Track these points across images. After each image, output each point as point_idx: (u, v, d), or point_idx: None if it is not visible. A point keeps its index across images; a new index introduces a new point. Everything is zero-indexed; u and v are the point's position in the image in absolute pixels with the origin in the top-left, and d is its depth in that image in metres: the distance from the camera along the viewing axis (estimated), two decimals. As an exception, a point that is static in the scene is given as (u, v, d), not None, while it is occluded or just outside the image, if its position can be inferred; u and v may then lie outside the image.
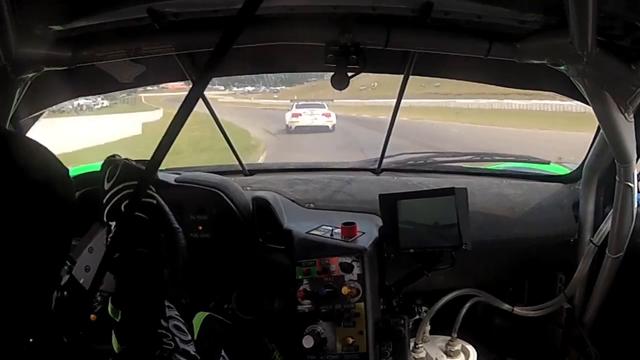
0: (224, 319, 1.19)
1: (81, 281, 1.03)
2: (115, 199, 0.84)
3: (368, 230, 1.25)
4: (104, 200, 0.86)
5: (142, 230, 0.83)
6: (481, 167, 1.79)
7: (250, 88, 29.12)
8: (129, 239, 0.82)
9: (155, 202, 0.88)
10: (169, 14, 1.05)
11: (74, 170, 1.62)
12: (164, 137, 0.56)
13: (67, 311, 0.97)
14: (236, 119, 13.80)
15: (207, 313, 1.13)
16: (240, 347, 1.14)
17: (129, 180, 0.86)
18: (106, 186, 0.86)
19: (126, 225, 0.80)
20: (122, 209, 0.84)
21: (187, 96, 0.56)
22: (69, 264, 1.06)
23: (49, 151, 0.62)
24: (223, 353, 1.03)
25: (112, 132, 12.47)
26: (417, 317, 1.31)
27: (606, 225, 1.33)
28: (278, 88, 28.80)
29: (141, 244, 0.83)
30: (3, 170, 0.54)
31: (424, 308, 1.31)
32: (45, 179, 0.60)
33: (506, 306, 1.44)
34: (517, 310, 1.45)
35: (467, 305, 1.39)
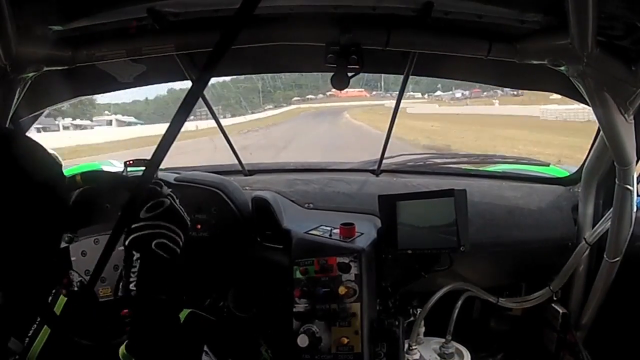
0: (208, 315, 1.20)
1: (73, 259, 1.06)
2: (147, 232, 0.83)
3: (367, 231, 1.25)
4: (133, 226, 0.84)
5: (164, 272, 0.81)
6: (481, 168, 1.79)
7: (464, 92, 17.61)
8: (151, 283, 0.80)
9: (178, 251, 0.85)
10: (169, 14, 1.06)
11: (71, 169, 1.64)
12: (163, 137, 0.56)
13: (47, 273, 0.98)
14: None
15: (190, 310, 1.13)
16: (225, 342, 1.15)
17: (170, 223, 0.85)
18: (142, 214, 0.84)
19: (149, 260, 0.79)
20: (153, 246, 0.82)
21: (185, 97, 0.56)
22: (71, 235, 1.09)
23: (47, 151, 0.63)
24: (206, 348, 1.05)
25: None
26: (412, 319, 1.30)
27: (602, 226, 1.32)
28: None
29: (162, 289, 0.81)
30: (5, 169, 0.55)
31: (419, 310, 1.31)
32: (45, 179, 0.61)
33: (491, 297, 1.44)
34: (502, 301, 1.45)
35: (459, 303, 1.38)
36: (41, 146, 0.64)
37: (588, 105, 1.07)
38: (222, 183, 1.38)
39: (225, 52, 0.51)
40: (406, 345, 1.30)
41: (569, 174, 1.59)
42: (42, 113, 1.39)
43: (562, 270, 1.39)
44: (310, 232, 1.27)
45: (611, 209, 1.25)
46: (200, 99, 1.57)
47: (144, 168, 1.44)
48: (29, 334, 0.93)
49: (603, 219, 1.32)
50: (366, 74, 1.39)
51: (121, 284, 0.82)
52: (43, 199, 0.61)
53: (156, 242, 0.81)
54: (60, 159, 1.48)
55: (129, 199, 0.77)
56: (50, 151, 0.72)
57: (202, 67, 0.55)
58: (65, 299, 1.01)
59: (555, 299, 1.47)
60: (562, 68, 1.01)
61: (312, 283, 1.16)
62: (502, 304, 1.45)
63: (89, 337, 0.91)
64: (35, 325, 0.94)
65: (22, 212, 0.57)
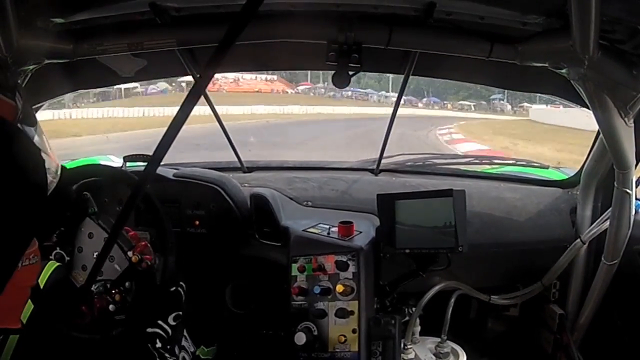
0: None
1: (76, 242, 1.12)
2: (166, 337, 1.04)
3: (365, 230, 1.26)
4: (161, 322, 1.03)
5: None
6: (480, 170, 1.79)
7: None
8: None
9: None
10: (171, 9, 1.05)
11: (72, 163, 1.63)
12: (165, 133, 0.56)
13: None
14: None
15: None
16: (199, 330, 1.20)
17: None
18: (170, 321, 1.05)
19: None
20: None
21: (189, 92, 0.56)
22: (95, 210, 1.13)
23: (40, 152, 0.64)
24: (185, 333, 1.10)
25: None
26: (407, 318, 1.30)
27: (599, 226, 1.33)
28: None
29: None
30: (5, 167, 0.56)
31: (414, 309, 1.31)
32: (40, 181, 0.62)
33: (483, 296, 1.44)
34: (494, 299, 1.45)
35: (452, 301, 1.38)
36: (37, 147, 0.65)
37: (588, 108, 1.07)
38: (221, 180, 1.38)
39: (230, 48, 0.51)
40: (401, 345, 1.30)
41: (567, 177, 1.60)
42: (41, 106, 1.38)
43: (555, 265, 1.40)
44: (309, 229, 1.27)
45: (609, 210, 1.26)
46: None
47: (143, 163, 1.45)
48: None
49: (600, 218, 1.33)
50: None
51: None
52: (37, 201, 0.62)
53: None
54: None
55: (130, 196, 0.78)
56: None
57: (207, 63, 0.54)
58: (52, 269, 1.03)
59: (552, 299, 1.48)
60: (563, 71, 1.01)
61: (309, 280, 1.16)
62: (495, 302, 1.45)
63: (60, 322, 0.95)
64: None
65: (15, 209, 0.58)
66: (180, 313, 1.05)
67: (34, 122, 0.69)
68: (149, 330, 0.99)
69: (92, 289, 1.07)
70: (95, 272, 0.73)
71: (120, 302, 1.05)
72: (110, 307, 1.04)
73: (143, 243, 1.09)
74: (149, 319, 1.01)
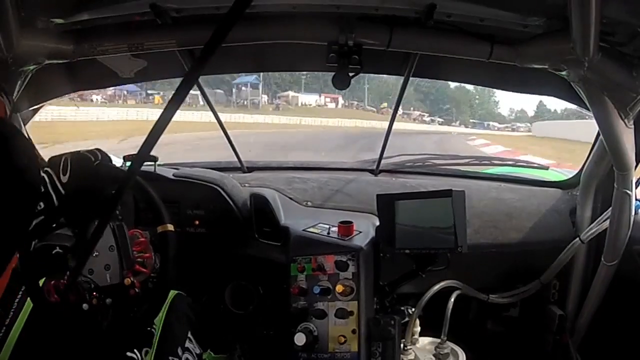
0: (192, 303, 1.21)
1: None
2: None
3: (365, 230, 1.26)
4: None
5: None
6: (479, 170, 1.79)
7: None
8: None
9: None
10: (171, 10, 1.05)
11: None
12: (150, 132, 0.56)
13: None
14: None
15: (177, 292, 1.13)
16: (207, 333, 1.17)
17: None
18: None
19: None
20: None
21: (176, 91, 0.56)
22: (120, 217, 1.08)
23: (34, 149, 0.65)
24: (189, 335, 1.07)
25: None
26: (407, 319, 1.31)
27: (598, 226, 1.33)
28: None
29: None
30: (3, 170, 0.56)
31: (414, 309, 1.32)
32: (33, 180, 0.62)
33: (482, 295, 1.44)
34: (492, 298, 1.45)
35: (451, 301, 1.37)
36: (30, 144, 0.65)
37: (588, 110, 1.07)
38: (221, 180, 1.38)
39: (216, 50, 0.51)
40: (401, 345, 1.31)
41: (567, 178, 1.60)
42: (41, 106, 1.38)
43: (554, 263, 1.40)
44: (309, 229, 1.27)
45: (609, 210, 1.26)
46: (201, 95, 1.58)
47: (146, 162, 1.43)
48: (13, 307, 0.95)
49: (599, 218, 1.34)
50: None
51: None
52: (32, 202, 0.62)
53: None
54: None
55: (116, 191, 0.79)
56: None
57: (194, 64, 0.55)
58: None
59: (552, 300, 1.48)
60: (563, 73, 1.01)
61: (309, 280, 1.16)
62: (493, 301, 1.45)
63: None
64: (19, 297, 0.96)
65: (8, 208, 0.58)
66: (149, 350, 1.01)
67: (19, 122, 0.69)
68: (128, 354, 0.97)
69: (81, 279, 1.04)
70: (85, 255, 0.73)
71: (93, 310, 0.99)
72: (84, 305, 0.98)
73: (143, 239, 1.06)
74: (116, 349, 0.97)
